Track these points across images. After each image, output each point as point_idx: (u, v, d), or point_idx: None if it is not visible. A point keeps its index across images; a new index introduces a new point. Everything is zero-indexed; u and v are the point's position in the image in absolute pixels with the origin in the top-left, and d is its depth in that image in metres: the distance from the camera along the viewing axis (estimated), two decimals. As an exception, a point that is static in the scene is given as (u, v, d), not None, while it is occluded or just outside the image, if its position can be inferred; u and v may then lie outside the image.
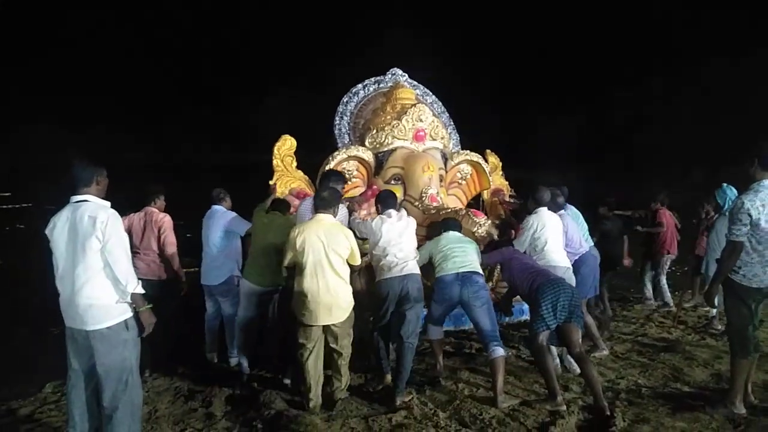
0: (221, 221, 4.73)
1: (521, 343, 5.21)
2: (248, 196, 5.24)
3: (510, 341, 5.26)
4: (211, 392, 4.12)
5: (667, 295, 6.88)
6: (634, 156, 27.63)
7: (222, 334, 4.86)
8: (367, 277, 4.51)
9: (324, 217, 3.78)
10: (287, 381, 4.18)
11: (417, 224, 4.39)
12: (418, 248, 4.21)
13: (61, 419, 3.62)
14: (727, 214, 4.36)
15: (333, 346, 3.80)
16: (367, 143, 5.42)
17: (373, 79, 6.21)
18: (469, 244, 4.26)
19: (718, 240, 5.20)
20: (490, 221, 4.91)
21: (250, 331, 4.40)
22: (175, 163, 26.71)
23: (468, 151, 5.83)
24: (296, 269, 3.76)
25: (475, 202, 6.07)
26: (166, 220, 4.65)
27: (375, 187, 5.17)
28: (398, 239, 4.02)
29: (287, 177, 5.27)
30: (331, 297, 3.66)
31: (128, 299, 2.93)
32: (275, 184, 5.19)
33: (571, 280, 4.32)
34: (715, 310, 5.71)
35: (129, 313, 2.96)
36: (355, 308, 3.86)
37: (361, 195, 5.15)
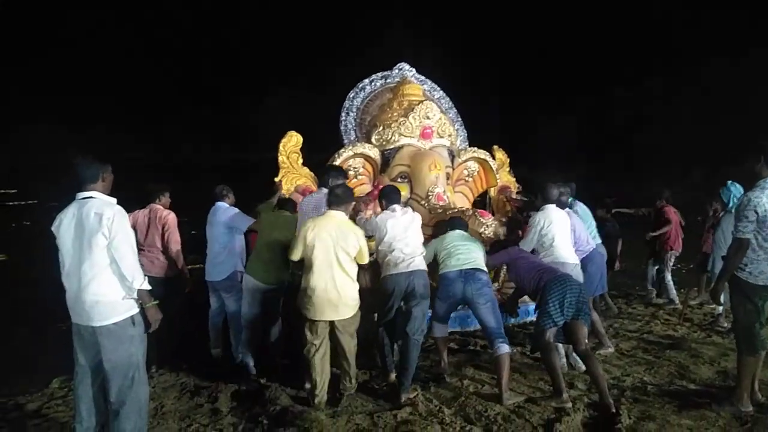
0: (223, 217, 4.72)
1: (526, 340, 5.21)
2: (248, 195, 5.24)
3: (515, 338, 5.25)
4: (216, 388, 4.12)
5: (673, 292, 6.87)
6: (634, 156, 27.65)
7: (226, 330, 4.86)
8: (372, 274, 4.50)
9: (336, 214, 3.75)
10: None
11: (423, 224, 4.38)
12: (424, 244, 4.20)
13: (69, 414, 3.63)
14: (732, 211, 4.35)
15: (339, 342, 3.79)
16: (373, 140, 5.39)
17: (380, 74, 6.16)
18: (473, 242, 4.26)
19: (724, 237, 5.19)
20: (497, 222, 4.88)
21: (254, 328, 4.39)
22: (175, 163, 26.76)
23: (475, 148, 5.80)
24: (304, 264, 3.75)
25: (482, 200, 6.06)
26: (170, 218, 4.64)
27: (381, 185, 5.15)
28: (403, 234, 4.01)
29: (293, 174, 5.25)
30: (337, 294, 3.65)
31: (134, 295, 2.93)
32: (281, 180, 5.17)
33: (579, 276, 4.32)
34: (721, 308, 5.70)
35: (135, 310, 2.96)
36: (360, 307, 3.86)
37: (367, 194, 5.14)
